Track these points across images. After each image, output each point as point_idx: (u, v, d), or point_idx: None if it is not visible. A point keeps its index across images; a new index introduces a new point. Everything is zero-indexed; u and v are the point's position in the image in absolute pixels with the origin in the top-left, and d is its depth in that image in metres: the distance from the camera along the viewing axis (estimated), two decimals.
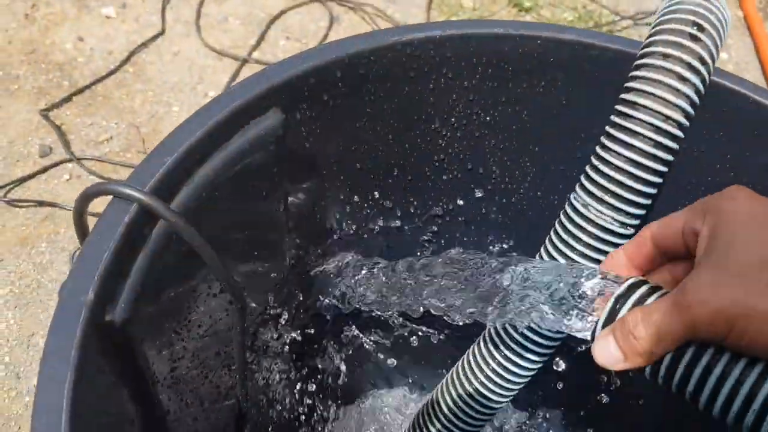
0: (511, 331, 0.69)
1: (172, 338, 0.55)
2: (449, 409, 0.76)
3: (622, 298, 0.47)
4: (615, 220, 0.61)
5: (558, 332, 0.65)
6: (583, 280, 0.52)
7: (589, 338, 0.51)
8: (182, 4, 2.01)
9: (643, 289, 0.46)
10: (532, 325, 0.57)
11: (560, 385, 0.91)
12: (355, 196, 0.73)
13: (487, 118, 0.71)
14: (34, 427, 0.39)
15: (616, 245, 0.62)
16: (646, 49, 0.60)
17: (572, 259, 0.63)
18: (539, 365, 0.71)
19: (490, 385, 0.72)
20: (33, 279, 1.46)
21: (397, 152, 0.72)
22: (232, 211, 0.59)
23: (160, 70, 1.83)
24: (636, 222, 0.62)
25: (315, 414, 0.87)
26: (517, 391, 0.73)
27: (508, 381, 0.71)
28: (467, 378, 0.73)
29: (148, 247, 0.49)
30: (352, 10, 2.04)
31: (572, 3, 2.18)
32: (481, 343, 0.72)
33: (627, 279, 0.49)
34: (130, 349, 0.49)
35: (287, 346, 0.73)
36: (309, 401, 0.83)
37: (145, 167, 0.51)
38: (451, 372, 0.77)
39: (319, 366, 0.83)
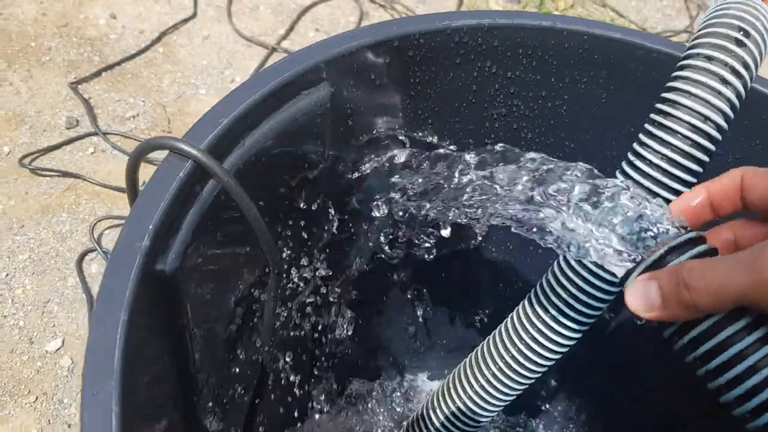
0: (516, 340, 0.69)
1: (212, 296, 0.56)
2: (444, 415, 0.77)
3: (675, 250, 0.43)
4: None
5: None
6: (647, 212, 0.49)
7: (619, 274, 0.48)
8: None
9: (702, 247, 0.43)
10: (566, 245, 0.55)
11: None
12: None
13: (526, 111, 0.72)
14: (88, 359, 0.40)
15: None
16: (691, 51, 0.61)
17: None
18: (537, 376, 0.72)
19: (485, 395, 0.73)
20: (52, 247, 1.47)
21: (434, 141, 0.74)
22: (276, 179, 0.60)
23: (189, 53, 1.85)
24: None
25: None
26: (509, 402, 0.74)
27: (503, 393, 0.72)
28: (463, 388, 0.75)
29: (199, 204, 0.51)
30: (382, 8, 2.06)
31: (601, 16, 2.20)
32: (486, 347, 0.74)
33: (686, 233, 0.45)
34: (175, 301, 0.50)
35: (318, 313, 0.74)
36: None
37: (200, 127, 0.52)
38: (446, 379, 0.78)
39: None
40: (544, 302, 0.68)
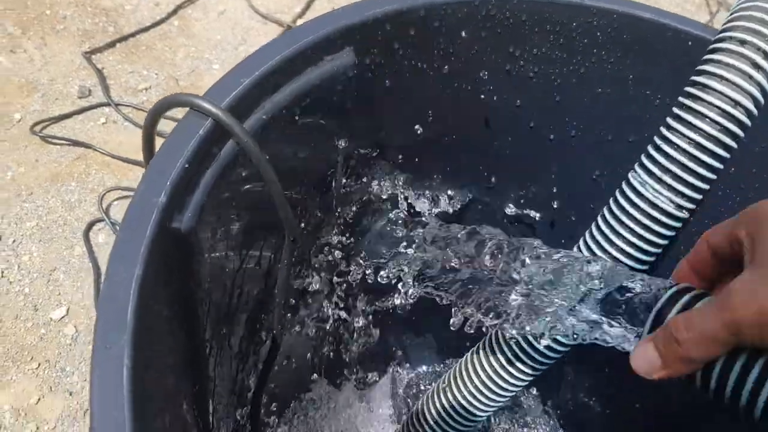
0: (510, 342, 0.69)
1: (226, 259, 0.55)
2: (438, 414, 0.77)
3: (666, 306, 0.46)
4: (672, 201, 0.61)
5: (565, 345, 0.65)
6: (630, 284, 0.52)
7: (626, 348, 0.51)
8: None
9: (688, 296, 0.46)
10: (563, 331, 0.57)
11: None
12: (411, 154, 0.73)
13: (550, 89, 0.71)
14: (101, 313, 0.39)
15: (669, 227, 0.62)
16: (723, 34, 0.60)
17: (622, 236, 0.63)
18: (535, 376, 0.71)
19: (480, 395, 0.73)
20: (60, 215, 1.46)
21: (452, 114, 0.72)
22: (294, 144, 0.59)
23: (204, 27, 1.84)
24: (692, 206, 0.61)
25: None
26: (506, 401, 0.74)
27: (499, 392, 0.72)
28: (458, 386, 0.74)
29: (217, 164, 0.50)
30: None
31: None
32: (477, 353, 0.73)
33: (672, 286, 0.48)
34: (190, 260, 0.49)
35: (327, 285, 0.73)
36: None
37: (220, 86, 0.51)
38: (441, 378, 0.77)
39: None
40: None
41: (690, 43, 0.65)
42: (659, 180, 0.61)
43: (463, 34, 0.64)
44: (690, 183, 0.60)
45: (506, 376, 0.71)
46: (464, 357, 0.75)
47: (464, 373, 0.74)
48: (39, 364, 1.28)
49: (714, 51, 0.60)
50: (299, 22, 1.89)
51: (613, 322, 0.53)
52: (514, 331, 0.60)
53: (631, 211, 0.62)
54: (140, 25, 1.79)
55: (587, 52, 0.67)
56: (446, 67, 0.66)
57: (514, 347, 0.69)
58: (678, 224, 0.62)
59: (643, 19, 0.65)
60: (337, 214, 0.69)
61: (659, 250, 0.64)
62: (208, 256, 0.52)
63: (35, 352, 1.30)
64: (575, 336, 0.56)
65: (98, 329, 0.38)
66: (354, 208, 0.69)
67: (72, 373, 1.27)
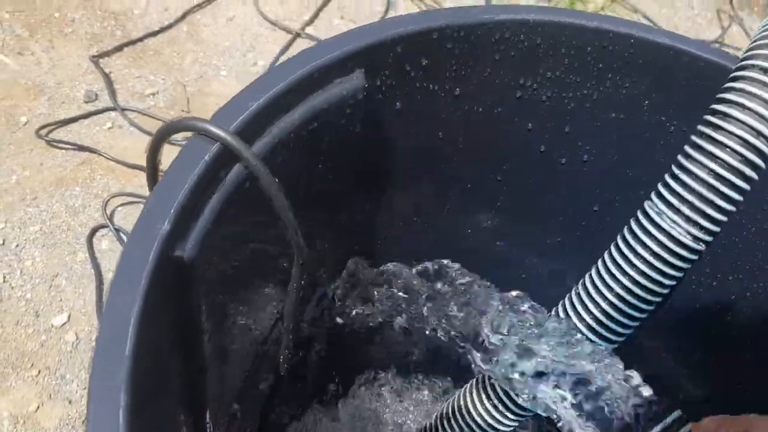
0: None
1: (230, 286, 0.54)
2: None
3: None
4: (689, 233, 0.59)
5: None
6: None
7: None
8: None
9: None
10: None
11: None
12: (420, 176, 0.71)
13: (563, 113, 0.69)
14: (98, 349, 0.38)
15: (685, 259, 0.60)
16: (746, 62, 0.58)
17: (636, 267, 0.61)
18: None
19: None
20: (63, 221, 1.46)
21: (463, 137, 0.71)
22: (302, 167, 0.58)
23: (213, 33, 1.83)
24: (709, 238, 0.60)
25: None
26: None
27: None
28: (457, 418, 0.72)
29: (223, 189, 0.48)
30: None
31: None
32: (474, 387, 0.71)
33: (664, 415, 0.49)
34: (192, 289, 0.48)
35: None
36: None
37: (228, 109, 0.49)
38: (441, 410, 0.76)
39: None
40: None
41: (707, 69, 0.64)
42: (677, 210, 0.59)
43: (476, 56, 0.62)
44: (708, 215, 0.58)
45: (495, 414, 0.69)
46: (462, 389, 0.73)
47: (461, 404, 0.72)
48: (39, 371, 1.27)
49: (736, 79, 0.58)
50: (308, 29, 1.88)
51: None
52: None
53: (646, 240, 0.61)
54: (148, 29, 1.78)
55: (602, 76, 0.66)
56: (458, 89, 0.65)
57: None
58: (694, 256, 0.61)
59: (660, 44, 0.63)
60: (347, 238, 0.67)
61: (673, 282, 0.63)
62: (212, 284, 0.50)
63: (36, 359, 1.29)
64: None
65: (95, 366, 0.37)
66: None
67: (72, 380, 1.26)
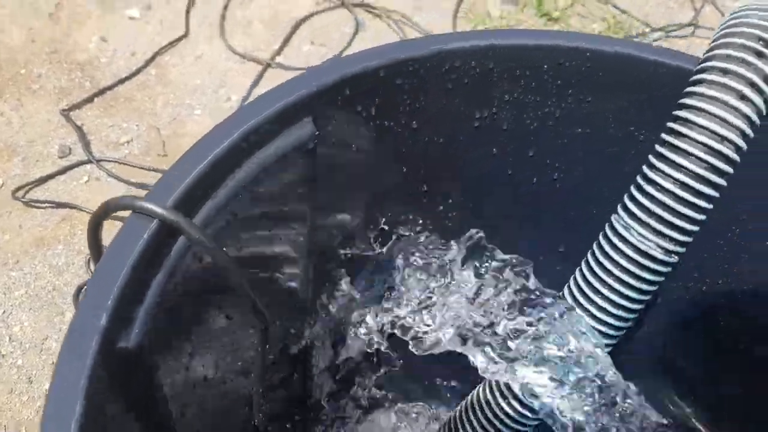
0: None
1: (190, 364, 0.51)
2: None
3: None
4: (659, 246, 0.57)
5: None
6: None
7: None
8: (207, 7, 1.98)
9: None
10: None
11: None
12: (382, 216, 0.69)
13: (526, 134, 0.67)
14: None
15: (657, 273, 0.58)
16: (705, 64, 0.56)
17: (609, 286, 0.59)
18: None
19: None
20: (48, 281, 1.43)
21: (425, 168, 0.68)
22: (258, 227, 0.55)
23: (182, 73, 1.81)
24: (681, 249, 0.57)
25: None
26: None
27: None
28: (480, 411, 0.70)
29: (167, 266, 0.46)
30: (378, 17, 2.01)
31: (601, 13, 2.14)
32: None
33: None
34: (145, 377, 0.45)
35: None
36: None
37: (167, 179, 0.47)
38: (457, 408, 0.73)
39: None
40: None
41: (668, 74, 0.62)
42: (644, 224, 0.57)
43: (428, 89, 0.60)
44: (677, 226, 0.56)
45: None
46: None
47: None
48: None
49: (696, 83, 0.56)
50: (278, 58, 1.86)
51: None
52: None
53: (616, 257, 0.58)
54: (117, 77, 1.76)
55: (561, 93, 0.63)
56: (414, 123, 0.63)
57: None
58: (667, 269, 0.58)
59: (617, 54, 0.61)
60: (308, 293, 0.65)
61: (647, 297, 0.60)
62: (169, 365, 0.48)
63: (32, 427, 1.27)
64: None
65: None
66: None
67: None
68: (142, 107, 1.72)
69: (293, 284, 0.62)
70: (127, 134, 1.66)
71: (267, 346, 0.54)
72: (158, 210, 0.44)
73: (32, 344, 1.36)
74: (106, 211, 0.45)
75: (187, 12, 1.93)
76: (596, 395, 0.55)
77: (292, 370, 0.67)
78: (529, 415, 0.65)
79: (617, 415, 0.55)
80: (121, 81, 1.75)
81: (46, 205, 1.52)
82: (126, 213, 0.46)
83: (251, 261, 0.55)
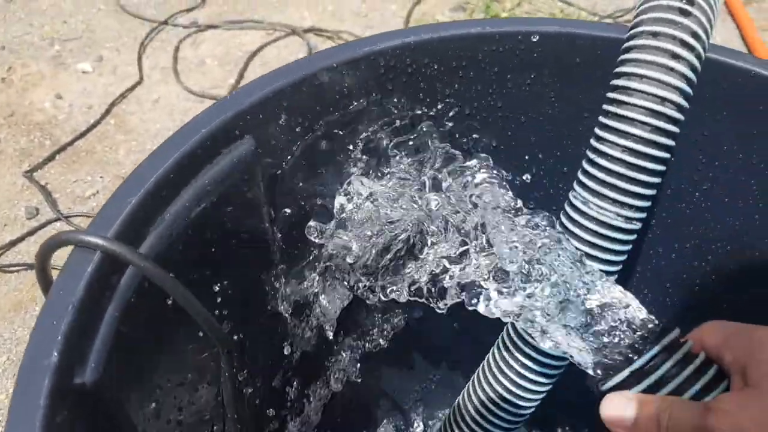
0: (515, 351, 0.64)
1: (156, 394, 0.50)
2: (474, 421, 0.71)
3: (658, 357, 0.46)
4: (619, 215, 0.57)
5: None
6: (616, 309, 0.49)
7: (591, 372, 0.49)
8: (158, 51, 1.98)
9: (678, 355, 0.46)
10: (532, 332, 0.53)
11: None
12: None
13: (476, 125, 0.67)
14: None
15: (622, 242, 0.58)
16: (634, 30, 0.56)
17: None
18: (548, 385, 0.66)
19: (515, 390, 0.67)
20: None
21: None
22: (209, 247, 0.54)
23: (141, 119, 1.80)
24: (641, 215, 0.57)
25: None
26: (543, 395, 0.68)
27: (532, 384, 0.66)
28: (490, 386, 0.68)
29: (118, 296, 0.45)
30: (330, 39, 2.02)
31: (549, 8, 2.16)
32: (498, 350, 0.68)
33: (663, 334, 0.47)
34: (107, 413, 0.44)
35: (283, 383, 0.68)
36: None
37: (107, 211, 0.46)
38: (470, 381, 0.72)
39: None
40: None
41: (603, 46, 0.62)
42: (601, 196, 0.57)
43: (365, 91, 0.60)
44: (634, 192, 0.56)
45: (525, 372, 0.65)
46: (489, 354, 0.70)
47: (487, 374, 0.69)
48: None
49: (628, 50, 0.57)
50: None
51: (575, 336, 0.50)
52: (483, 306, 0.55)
53: (579, 233, 0.58)
54: (76, 131, 1.75)
55: (501, 80, 0.64)
56: (359, 127, 0.62)
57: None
58: (631, 237, 0.58)
59: (548, 33, 0.61)
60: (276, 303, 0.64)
61: (618, 268, 0.60)
62: (132, 400, 0.47)
63: None
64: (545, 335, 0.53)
65: None
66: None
67: None
68: (105, 158, 1.71)
69: (258, 297, 0.61)
70: (93, 187, 1.65)
71: (234, 370, 0.53)
72: (98, 242, 0.43)
73: None
74: (47, 251, 0.44)
75: (139, 59, 1.93)
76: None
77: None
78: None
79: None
80: (81, 135, 1.74)
81: (20, 267, 1.50)
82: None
83: (210, 280, 0.55)
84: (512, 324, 0.64)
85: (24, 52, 1.96)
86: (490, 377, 0.68)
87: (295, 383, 0.69)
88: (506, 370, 0.66)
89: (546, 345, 0.53)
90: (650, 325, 0.48)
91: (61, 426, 0.38)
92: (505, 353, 0.66)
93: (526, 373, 0.65)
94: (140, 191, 0.47)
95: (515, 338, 0.65)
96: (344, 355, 0.72)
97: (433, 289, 0.59)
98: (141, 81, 1.89)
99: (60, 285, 0.42)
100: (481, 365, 0.70)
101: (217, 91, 1.86)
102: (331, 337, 0.67)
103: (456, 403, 0.74)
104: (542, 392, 0.67)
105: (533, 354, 0.64)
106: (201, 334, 0.51)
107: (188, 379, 0.53)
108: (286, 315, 0.65)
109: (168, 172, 0.49)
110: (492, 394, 0.68)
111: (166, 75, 1.91)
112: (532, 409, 0.69)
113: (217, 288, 0.55)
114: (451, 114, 0.65)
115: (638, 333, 0.48)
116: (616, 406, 0.45)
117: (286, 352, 0.67)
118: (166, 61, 1.94)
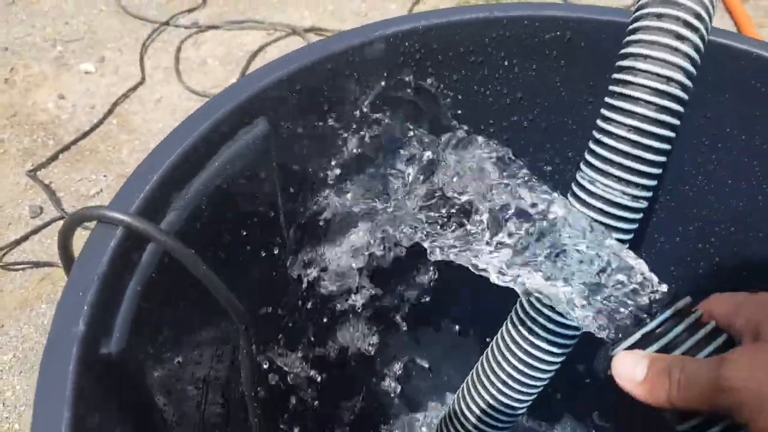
0: (529, 322, 0.65)
1: (176, 368, 0.51)
2: (473, 414, 0.72)
3: (665, 324, 0.47)
4: (625, 193, 0.58)
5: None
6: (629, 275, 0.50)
7: (605, 337, 0.50)
8: (160, 52, 2.00)
9: (690, 319, 0.46)
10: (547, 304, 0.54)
11: None
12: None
13: (482, 112, 0.68)
14: None
15: (629, 220, 0.59)
16: (639, 12, 0.57)
17: None
18: (561, 357, 0.67)
19: (513, 383, 0.68)
20: (36, 342, 1.42)
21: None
22: (227, 224, 0.56)
23: (144, 119, 1.82)
24: (647, 194, 0.59)
25: None
26: (540, 389, 0.69)
27: (532, 376, 0.67)
28: (489, 379, 0.69)
29: (139, 272, 0.46)
30: None
31: None
32: (499, 341, 0.69)
33: (674, 300, 0.48)
34: (131, 383, 0.45)
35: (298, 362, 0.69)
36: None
37: (129, 188, 0.47)
38: (470, 374, 0.73)
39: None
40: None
41: (607, 30, 0.63)
42: (607, 174, 0.58)
43: (377, 74, 0.61)
44: (639, 171, 0.57)
45: (534, 351, 0.66)
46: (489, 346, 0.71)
47: (492, 362, 0.70)
48: None
49: (634, 31, 0.58)
50: None
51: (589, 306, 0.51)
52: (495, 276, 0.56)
53: (587, 212, 0.59)
54: (79, 131, 1.76)
55: (508, 64, 0.65)
56: (366, 110, 0.63)
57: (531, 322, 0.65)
58: (637, 215, 0.59)
59: (556, 18, 0.62)
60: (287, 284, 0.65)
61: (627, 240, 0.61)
62: (155, 372, 0.48)
63: None
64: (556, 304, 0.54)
65: None
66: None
67: None
68: (108, 157, 1.72)
69: (268, 276, 0.62)
70: (97, 186, 1.66)
71: (251, 347, 0.54)
72: (122, 217, 0.44)
73: (27, 406, 1.34)
74: (70, 226, 0.45)
75: (141, 59, 1.95)
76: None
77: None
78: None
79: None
80: (84, 135, 1.75)
81: (24, 266, 1.51)
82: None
83: (226, 259, 0.56)
84: (525, 300, 0.66)
85: (26, 53, 1.98)
86: (499, 356, 0.69)
87: (310, 358, 0.70)
88: (520, 343, 0.67)
89: (563, 309, 0.54)
90: (662, 290, 0.49)
91: (89, 395, 0.39)
92: (519, 328, 0.67)
93: (539, 347, 0.66)
94: (161, 169, 0.48)
95: (529, 312, 0.66)
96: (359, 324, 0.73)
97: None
98: (143, 81, 1.90)
99: (84, 258, 0.43)
100: (491, 342, 0.71)
101: (218, 90, 1.87)
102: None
103: (464, 383, 0.75)
104: (552, 369, 0.68)
105: (544, 330, 0.65)
106: (217, 313, 0.52)
107: (209, 355, 0.54)
108: (298, 290, 0.66)
109: (188, 152, 0.50)
110: (501, 374, 0.69)
111: (168, 75, 1.92)
112: (541, 389, 0.70)
113: (232, 266, 0.56)
114: (455, 97, 0.66)
115: (650, 297, 0.49)
116: (628, 363, 0.45)
117: (299, 327, 0.68)
118: (167, 62, 1.95)
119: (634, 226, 0.60)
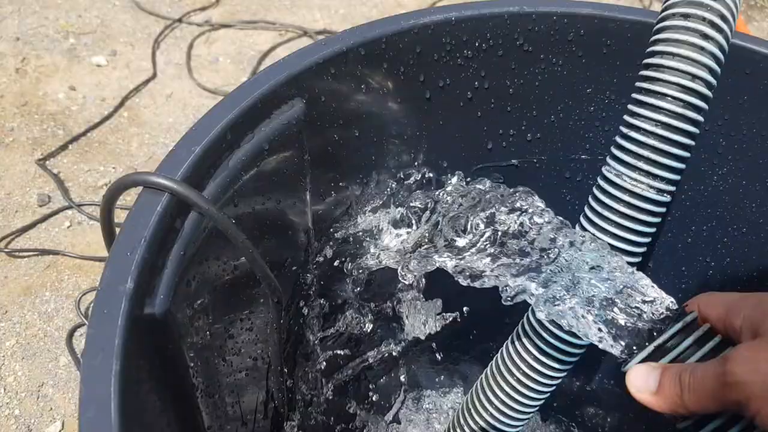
0: (533, 335, 0.67)
1: (211, 334, 0.52)
2: (481, 418, 0.73)
3: (675, 337, 0.48)
4: (651, 186, 0.60)
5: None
6: (639, 291, 0.52)
7: (616, 353, 0.52)
8: (172, 48, 2.01)
9: (698, 333, 0.48)
10: (563, 323, 0.56)
11: None
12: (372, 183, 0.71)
13: (506, 103, 0.70)
14: (82, 420, 0.36)
15: (654, 213, 0.61)
16: (666, 12, 0.59)
17: (609, 233, 0.62)
18: (569, 366, 0.68)
19: (522, 389, 0.69)
20: (39, 329, 1.42)
21: (412, 146, 0.71)
22: (260, 201, 0.57)
23: (154, 113, 1.83)
24: (672, 188, 0.60)
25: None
26: (547, 395, 0.71)
27: (539, 383, 0.69)
28: (493, 390, 0.71)
29: (182, 239, 0.47)
30: None
31: None
32: (507, 350, 0.70)
33: (679, 315, 0.50)
34: (171, 343, 0.46)
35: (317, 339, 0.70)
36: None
37: (173, 158, 0.49)
38: (479, 381, 0.74)
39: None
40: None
41: (633, 30, 0.65)
42: (635, 168, 0.60)
43: (408, 63, 0.63)
44: (666, 165, 0.59)
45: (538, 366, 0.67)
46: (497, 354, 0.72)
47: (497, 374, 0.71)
48: None
49: (661, 30, 0.60)
50: None
51: (602, 325, 0.52)
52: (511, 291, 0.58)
53: (613, 204, 0.61)
54: (89, 122, 1.77)
55: (534, 58, 0.66)
56: (399, 98, 0.65)
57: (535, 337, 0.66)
58: (662, 209, 0.61)
59: (583, 15, 0.64)
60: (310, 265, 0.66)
61: (648, 240, 0.63)
62: (191, 335, 0.49)
63: None
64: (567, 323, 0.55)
65: None
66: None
67: None
68: (118, 150, 1.73)
69: (294, 255, 0.63)
70: (105, 177, 1.67)
71: (282, 321, 0.56)
72: (169, 184, 0.46)
73: (28, 392, 1.34)
74: (119, 188, 0.46)
75: (153, 54, 1.96)
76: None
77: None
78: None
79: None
80: (94, 126, 1.76)
81: (30, 253, 1.52)
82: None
83: (258, 234, 0.57)
84: (531, 312, 0.67)
85: (38, 44, 1.99)
86: (503, 368, 0.71)
87: (331, 335, 0.71)
88: (524, 356, 0.69)
89: (568, 325, 0.55)
90: (670, 307, 0.51)
91: (135, 350, 0.40)
92: (523, 340, 0.69)
93: (543, 361, 0.67)
94: (204, 141, 0.49)
95: (534, 326, 0.67)
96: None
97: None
98: (154, 76, 1.91)
99: (131, 221, 0.44)
100: (497, 354, 0.73)
101: (229, 88, 1.89)
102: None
103: (471, 391, 0.77)
104: (557, 380, 0.69)
105: (548, 344, 0.66)
106: (253, 285, 0.53)
107: (241, 322, 0.55)
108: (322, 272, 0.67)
109: (228, 124, 0.51)
110: (506, 385, 0.70)
111: (179, 71, 1.93)
112: (544, 400, 0.71)
113: (263, 242, 0.58)
114: (484, 87, 0.68)
115: (659, 313, 0.51)
116: (641, 375, 0.47)
117: (321, 307, 0.69)
118: (179, 58, 1.97)
119: (658, 219, 0.62)
